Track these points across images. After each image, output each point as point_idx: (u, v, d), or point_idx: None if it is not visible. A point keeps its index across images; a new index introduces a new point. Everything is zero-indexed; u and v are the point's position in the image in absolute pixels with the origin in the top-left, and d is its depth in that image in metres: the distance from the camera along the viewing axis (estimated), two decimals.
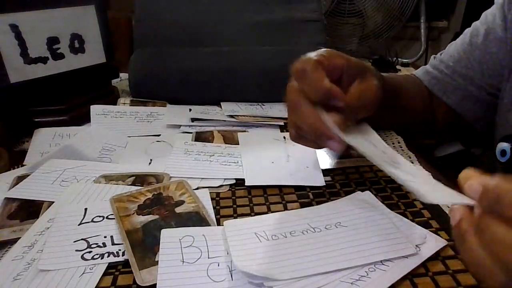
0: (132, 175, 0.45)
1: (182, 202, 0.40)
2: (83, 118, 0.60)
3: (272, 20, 0.71)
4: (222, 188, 0.44)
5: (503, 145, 0.46)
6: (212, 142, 0.54)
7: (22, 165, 0.49)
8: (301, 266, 0.31)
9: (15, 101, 0.56)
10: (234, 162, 0.48)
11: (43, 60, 0.58)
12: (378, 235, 0.34)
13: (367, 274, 0.30)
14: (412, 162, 0.49)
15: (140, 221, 0.37)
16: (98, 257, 0.33)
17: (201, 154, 0.50)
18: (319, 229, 0.35)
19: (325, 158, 0.50)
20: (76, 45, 0.61)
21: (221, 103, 0.65)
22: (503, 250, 0.22)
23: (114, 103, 0.65)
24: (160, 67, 0.65)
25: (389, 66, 1.10)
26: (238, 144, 0.53)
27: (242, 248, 0.32)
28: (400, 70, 1.11)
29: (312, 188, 0.44)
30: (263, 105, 0.67)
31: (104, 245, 0.34)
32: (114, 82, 0.73)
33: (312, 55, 0.38)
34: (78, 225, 0.36)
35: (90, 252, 0.33)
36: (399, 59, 1.14)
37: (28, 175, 0.45)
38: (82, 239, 0.35)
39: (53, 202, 0.40)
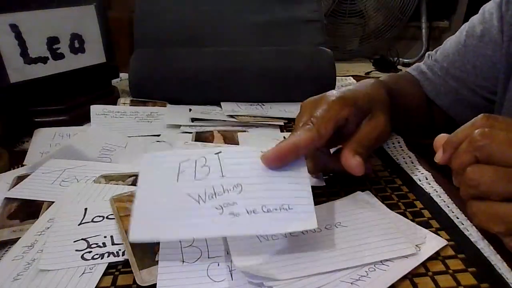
0: (132, 175, 0.45)
1: None
2: (83, 118, 0.60)
3: (272, 20, 0.71)
4: None
5: None
6: (212, 142, 0.54)
7: (22, 165, 0.49)
8: (301, 266, 0.31)
9: (15, 101, 0.56)
10: None
11: (43, 60, 0.58)
12: (378, 235, 0.34)
13: (367, 274, 0.30)
14: (412, 162, 0.49)
15: None
16: (98, 257, 0.33)
17: None
18: (319, 229, 0.35)
19: None
20: (76, 45, 0.61)
21: (221, 103, 0.65)
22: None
23: (114, 103, 0.65)
24: (160, 67, 0.65)
25: (390, 66, 1.10)
26: (238, 144, 0.53)
27: (242, 248, 0.32)
28: (401, 70, 1.11)
29: (312, 188, 0.43)
30: (263, 105, 0.67)
31: (104, 245, 0.34)
32: (114, 82, 0.73)
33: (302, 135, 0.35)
34: (78, 225, 0.36)
35: (90, 252, 0.33)
36: (400, 59, 1.14)
37: (28, 175, 0.45)
38: (82, 239, 0.35)
39: (53, 202, 0.40)
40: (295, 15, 0.71)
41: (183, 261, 0.32)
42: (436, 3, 1.25)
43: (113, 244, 0.34)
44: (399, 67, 1.12)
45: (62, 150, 0.50)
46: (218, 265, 0.32)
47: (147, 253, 0.33)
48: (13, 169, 0.48)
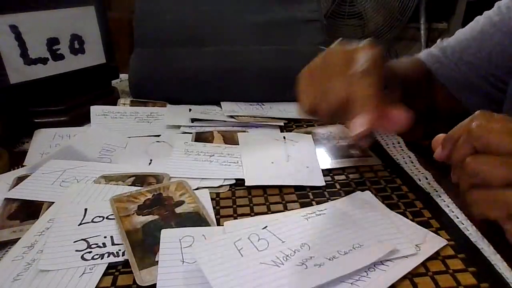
0: (132, 176, 0.45)
1: (182, 203, 0.40)
2: (83, 119, 0.60)
3: (272, 20, 0.71)
4: (222, 188, 0.44)
5: None
6: (212, 142, 0.54)
7: (22, 166, 0.49)
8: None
9: (15, 101, 0.56)
10: (234, 162, 0.48)
11: (43, 61, 0.58)
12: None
13: (367, 274, 0.30)
14: (412, 162, 0.49)
15: (140, 221, 0.37)
16: (98, 257, 0.33)
17: (201, 154, 0.50)
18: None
19: (325, 158, 0.50)
20: (76, 45, 0.61)
21: (221, 103, 0.65)
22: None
23: (114, 103, 0.65)
24: (160, 67, 0.65)
25: None
26: (238, 144, 0.53)
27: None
28: None
29: (312, 188, 0.44)
30: (263, 105, 0.67)
31: (104, 245, 0.34)
32: (114, 82, 0.73)
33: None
34: (78, 225, 0.36)
35: (90, 252, 0.33)
36: None
37: (28, 176, 0.45)
38: (82, 239, 0.35)
39: (53, 202, 0.40)
40: (295, 15, 0.71)
41: (183, 261, 0.32)
42: (435, 5, 1.25)
43: (113, 244, 0.34)
44: None
45: (62, 151, 0.50)
46: None
47: (147, 253, 0.33)
48: (13, 169, 0.48)
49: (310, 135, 0.56)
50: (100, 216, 0.38)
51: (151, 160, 0.50)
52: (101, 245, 0.34)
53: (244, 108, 0.64)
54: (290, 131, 0.59)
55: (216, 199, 0.42)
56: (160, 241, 0.34)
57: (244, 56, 0.66)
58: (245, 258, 0.31)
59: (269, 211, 0.40)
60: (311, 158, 0.49)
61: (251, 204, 0.41)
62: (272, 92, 0.67)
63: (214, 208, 0.40)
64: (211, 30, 0.69)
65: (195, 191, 0.42)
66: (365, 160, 0.49)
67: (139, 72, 0.66)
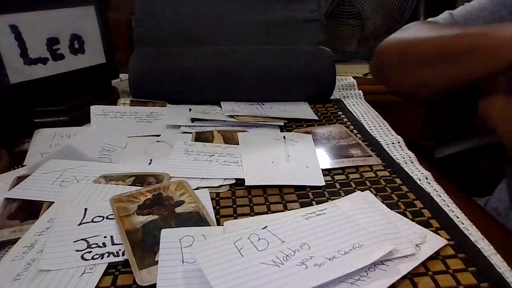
0: (132, 175, 0.45)
1: (182, 202, 0.40)
2: (83, 119, 0.60)
3: (272, 20, 0.71)
4: (222, 188, 0.44)
5: None
6: (212, 142, 0.54)
7: (22, 166, 0.49)
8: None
9: (15, 101, 0.56)
10: (234, 162, 0.48)
11: (43, 60, 0.58)
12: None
13: (367, 274, 0.30)
14: (412, 162, 0.49)
15: (140, 221, 0.37)
16: (98, 257, 0.33)
17: (201, 154, 0.50)
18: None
19: (325, 158, 0.50)
20: (76, 45, 0.61)
21: (221, 103, 0.65)
22: None
23: (114, 103, 0.65)
24: (160, 67, 0.65)
25: None
26: (238, 144, 0.53)
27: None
28: None
29: (312, 188, 0.44)
30: (263, 104, 0.67)
31: (104, 245, 0.34)
32: (114, 82, 0.73)
33: None
34: (78, 225, 0.36)
35: (90, 252, 0.33)
36: None
37: (28, 176, 0.45)
38: (82, 239, 0.35)
39: (53, 202, 0.40)
40: (295, 15, 0.71)
41: (183, 261, 0.32)
42: (434, 5, 1.25)
43: (113, 244, 0.34)
44: None
45: (62, 151, 0.50)
46: None
47: (147, 253, 0.33)
48: (13, 169, 0.48)
49: (310, 135, 0.56)
50: (100, 216, 0.38)
51: (151, 160, 0.50)
52: (101, 245, 0.34)
53: (244, 107, 0.64)
54: (290, 131, 0.59)
55: (216, 199, 0.42)
56: (160, 241, 0.34)
57: (244, 56, 0.66)
58: (245, 258, 0.31)
59: (269, 211, 0.40)
60: (311, 158, 0.49)
61: (251, 204, 0.41)
62: (272, 92, 0.67)
63: (214, 208, 0.40)
64: (211, 30, 0.69)
65: (195, 191, 0.42)
66: (365, 160, 0.49)
67: (139, 72, 0.66)
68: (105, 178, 0.45)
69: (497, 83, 0.42)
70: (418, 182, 0.44)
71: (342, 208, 0.37)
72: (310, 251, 0.32)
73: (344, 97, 0.74)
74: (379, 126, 0.61)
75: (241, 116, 0.61)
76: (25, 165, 0.49)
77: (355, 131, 0.57)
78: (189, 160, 0.48)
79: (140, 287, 0.30)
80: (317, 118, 0.62)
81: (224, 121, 0.60)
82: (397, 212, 0.38)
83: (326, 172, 0.47)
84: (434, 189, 0.43)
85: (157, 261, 0.32)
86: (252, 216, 0.39)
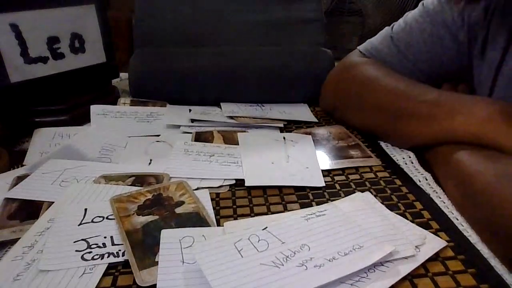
0: (132, 176, 0.45)
1: (182, 203, 0.40)
2: (83, 118, 0.60)
3: (272, 20, 0.71)
4: (222, 189, 0.44)
5: None
6: (212, 142, 0.54)
7: (22, 165, 0.49)
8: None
9: (15, 101, 0.56)
10: (234, 163, 0.48)
11: (43, 59, 0.58)
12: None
13: (367, 275, 0.30)
14: (412, 163, 0.49)
15: (140, 221, 0.37)
16: (98, 258, 0.33)
17: (201, 155, 0.50)
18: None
19: (324, 159, 0.50)
20: (76, 44, 0.61)
21: (221, 104, 0.65)
22: None
23: (114, 103, 0.65)
24: (160, 67, 0.65)
25: None
26: (238, 145, 0.53)
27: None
28: None
29: (312, 188, 0.44)
30: (263, 105, 0.67)
31: (104, 245, 0.34)
32: (114, 82, 0.73)
33: None
34: (78, 225, 0.36)
35: (90, 252, 0.33)
36: None
37: (28, 175, 0.45)
38: (82, 240, 0.35)
39: (53, 202, 0.40)
40: (295, 15, 0.71)
41: (183, 262, 0.32)
42: None
43: (113, 244, 0.34)
44: None
45: (62, 150, 0.50)
46: None
47: (147, 253, 0.33)
48: (13, 169, 0.48)
49: (310, 135, 0.56)
50: (100, 216, 0.38)
51: (151, 160, 0.50)
52: (101, 245, 0.34)
53: (244, 108, 0.64)
54: (290, 132, 0.59)
55: (216, 199, 0.42)
56: (160, 242, 0.34)
57: (244, 56, 0.66)
58: (245, 259, 0.31)
59: (269, 212, 0.40)
60: (311, 158, 0.49)
61: (251, 205, 0.41)
62: (272, 93, 0.67)
63: (214, 208, 0.40)
64: (211, 30, 0.69)
65: (195, 191, 0.42)
66: (365, 161, 0.49)
67: (139, 72, 0.66)
68: (105, 178, 0.45)
69: None
70: (418, 183, 0.45)
71: (342, 209, 0.38)
72: (310, 252, 0.32)
73: None
74: None
75: (240, 117, 0.61)
76: (25, 165, 0.49)
77: (355, 132, 0.57)
78: (189, 160, 0.48)
79: (140, 287, 0.30)
80: (317, 120, 0.62)
81: (224, 122, 0.60)
82: (397, 213, 0.38)
83: (326, 173, 0.47)
84: (434, 191, 0.43)
85: (157, 261, 0.32)
86: (252, 216, 0.39)
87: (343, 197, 0.41)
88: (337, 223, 0.35)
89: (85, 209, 0.38)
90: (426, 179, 0.45)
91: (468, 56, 0.54)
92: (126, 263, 0.33)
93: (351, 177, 0.46)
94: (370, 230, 0.35)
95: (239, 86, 0.66)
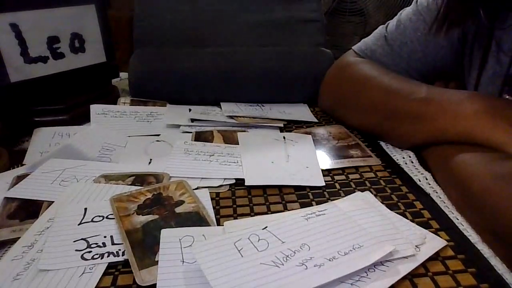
0: (132, 175, 0.45)
1: (182, 202, 0.40)
2: (83, 118, 0.60)
3: (272, 20, 0.71)
4: (222, 188, 0.44)
5: None
6: (212, 142, 0.54)
7: (22, 165, 0.49)
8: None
9: (15, 100, 0.56)
10: (234, 162, 0.48)
11: (43, 59, 0.58)
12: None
13: (367, 275, 0.30)
14: (412, 162, 0.49)
15: (140, 221, 0.37)
16: (98, 257, 0.33)
17: (200, 154, 0.50)
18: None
19: (324, 158, 0.50)
20: (77, 44, 0.61)
21: (221, 104, 0.65)
22: None
23: (114, 102, 0.65)
24: (160, 67, 0.65)
25: None
26: (238, 144, 0.53)
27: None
28: None
29: (312, 188, 0.44)
30: (263, 105, 0.66)
31: (104, 245, 0.34)
32: (114, 81, 0.73)
33: None
34: (78, 225, 0.36)
35: (90, 252, 0.33)
36: None
37: (28, 175, 0.45)
38: (82, 239, 0.35)
39: (52, 201, 0.40)
40: (295, 15, 0.71)
41: (183, 261, 0.32)
42: None
43: (113, 244, 0.34)
44: None
45: (62, 150, 0.50)
46: None
47: (147, 253, 0.33)
48: (13, 168, 0.48)
49: (310, 135, 0.56)
50: (100, 216, 0.38)
51: (151, 159, 0.50)
52: (101, 245, 0.34)
53: (244, 108, 0.64)
54: (290, 131, 0.59)
55: (216, 198, 0.42)
56: (160, 241, 0.34)
57: (244, 56, 0.66)
58: (245, 258, 0.31)
59: (269, 211, 0.40)
60: (311, 158, 0.49)
61: (251, 204, 0.41)
62: (272, 93, 0.67)
63: (214, 208, 0.40)
64: (211, 30, 0.69)
65: (195, 190, 0.42)
66: (364, 161, 0.49)
67: (139, 72, 0.66)
68: (105, 177, 0.45)
69: None
70: (418, 182, 0.44)
71: (342, 208, 0.37)
72: (310, 252, 0.32)
73: None
74: None
75: (240, 117, 0.61)
76: (25, 164, 0.49)
77: (354, 132, 0.57)
78: (189, 160, 0.48)
79: (140, 287, 0.30)
80: (317, 120, 0.62)
81: (224, 122, 0.60)
82: (397, 213, 0.38)
83: (326, 172, 0.47)
84: (434, 190, 0.43)
85: (157, 261, 0.32)
86: (252, 216, 0.39)
87: (343, 197, 0.41)
88: (337, 223, 0.35)
89: (85, 209, 0.38)
90: (426, 179, 0.45)
91: (460, 54, 0.54)
92: (126, 263, 0.33)
93: (351, 176, 0.46)
94: (370, 230, 0.35)
95: (239, 86, 0.66)
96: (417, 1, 0.58)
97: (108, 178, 0.45)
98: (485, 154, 0.39)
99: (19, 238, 0.35)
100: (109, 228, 0.36)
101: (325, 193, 0.43)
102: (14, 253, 0.33)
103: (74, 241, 0.34)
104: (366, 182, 0.45)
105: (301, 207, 0.40)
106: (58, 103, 0.60)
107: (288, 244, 0.33)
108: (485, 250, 0.34)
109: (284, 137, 0.55)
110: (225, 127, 0.59)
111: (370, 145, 0.53)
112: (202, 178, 0.45)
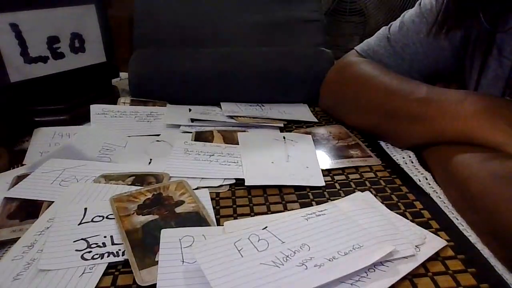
0: (132, 175, 0.45)
1: (182, 202, 0.40)
2: (83, 118, 0.60)
3: (272, 20, 0.71)
4: (222, 188, 0.44)
5: None
6: (212, 142, 0.54)
7: (22, 165, 0.49)
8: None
9: (15, 100, 0.56)
10: (234, 162, 0.48)
11: (43, 59, 0.58)
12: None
13: (367, 275, 0.30)
14: (412, 162, 0.49)
15: (140, 221, 0.37)
16: (98, 257, 0.33)
17: (200, 154, 0.50)
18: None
19: (324, 158, 0.50)
20: (77, 44, 0.61)
21: (221, 104, 0.65)
22: None
23: (114, 102, 0.65)
24: (160, 67, 0.65)
25: None
26: (238, 144, 0.53)
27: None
28: None
29: (311, 188, 0.44)
30: (263, 105, 0.66)
31: (104, 245, 0.34)
32: (114, 81, 0.73)
33: None
34: (78, 225, 0.36)
35: (90, 252, 0.33)
36: None
37: (28, 175, 0.45)
38: (82, 239, 0.35)
39: (52, 201, 0.40)
40: (295, 15, 0.71)
41: (183, 261, 0.32)
42: None
43: (113, 244, 0.34)
44: None
45: (62, 150, 0.50)
46: None
47: (147, 253, 0.33)
48: (13, 168, 0.48)
49: (310, 135, 0.56)
50: (100, 216, 0.38)
51: (150, 159, 0.50)
52: (101, 245, 0.34)
53: (244, 108, 0.64)
54: (290, 131, 0.59)
55: (216, 199, 0.42)
56: (160, 241, 0.34)
57: (244, 56, 0.66)
58: (245, 258, 0.31)
59: (269, 211, 0.40)
60: (311, 158, 0.49)
61: (251, 204, 0.41)
62: (272, 93, 0.67)
63: (214, 208, 0.40)
64: (211, 30, 0.69)
65: (195, 190, 0.42)
66: (365, 161, 0.49)
67: (139, 72, 0.66)
68: (105, 177, 0.45)
69: None
70: (418, 182, 0.44)
71: (342, 208, 0.37)
72: (310, 252, 0.32)
73: None
74: None
75: (240, 117, 0.61)
76: (25, 164, 0.49)
77: (354, 132, 0.57)
78: (189, 160, 0.48)
79: (140, 287, 0.30)
80: (317, 120, 0.62)
81: (224, 122, 0.60)
82: (397, 213, 0.38)
83: (326, 172, 0.47)
84: (434, 190, 0.43)
85: (157, 261, 0.32)
86: (252, 216, 0.39)
87: (343, 197, 0.41)
88: (337, 223, 0.35)
89: (85, 209, 0.38)
90: (426, 179, 0.45)
91: (462, 56, 0.55)
92: (126, 263, 0.33)
93: (351, 176, 0.46)
94: (370, 230, 0.35)
95: (239, 86, 0.66)
96: (420, 3, 0.58)
97: (108, 178, 0.45)
98: (485, 154, 0.39)
99: (19, 238, 0.35)
100: (109, 228, 0.36)
101: (325, 193, 0.43)
102: (14, 253, 0.33)
103: (74, 241, 0.34)
104: (366, 182, 0.45)
105: (301, 207, 0.40)
106: (58, 103, 0.60)
107: (288, 244, 0.33)
108: (485, 250, 0.34)
109: (284, 137, 0.55)
110: (225, 127, 0.59)
111: (370, 145, 0.53)
112: (202, 178, 0.45)
